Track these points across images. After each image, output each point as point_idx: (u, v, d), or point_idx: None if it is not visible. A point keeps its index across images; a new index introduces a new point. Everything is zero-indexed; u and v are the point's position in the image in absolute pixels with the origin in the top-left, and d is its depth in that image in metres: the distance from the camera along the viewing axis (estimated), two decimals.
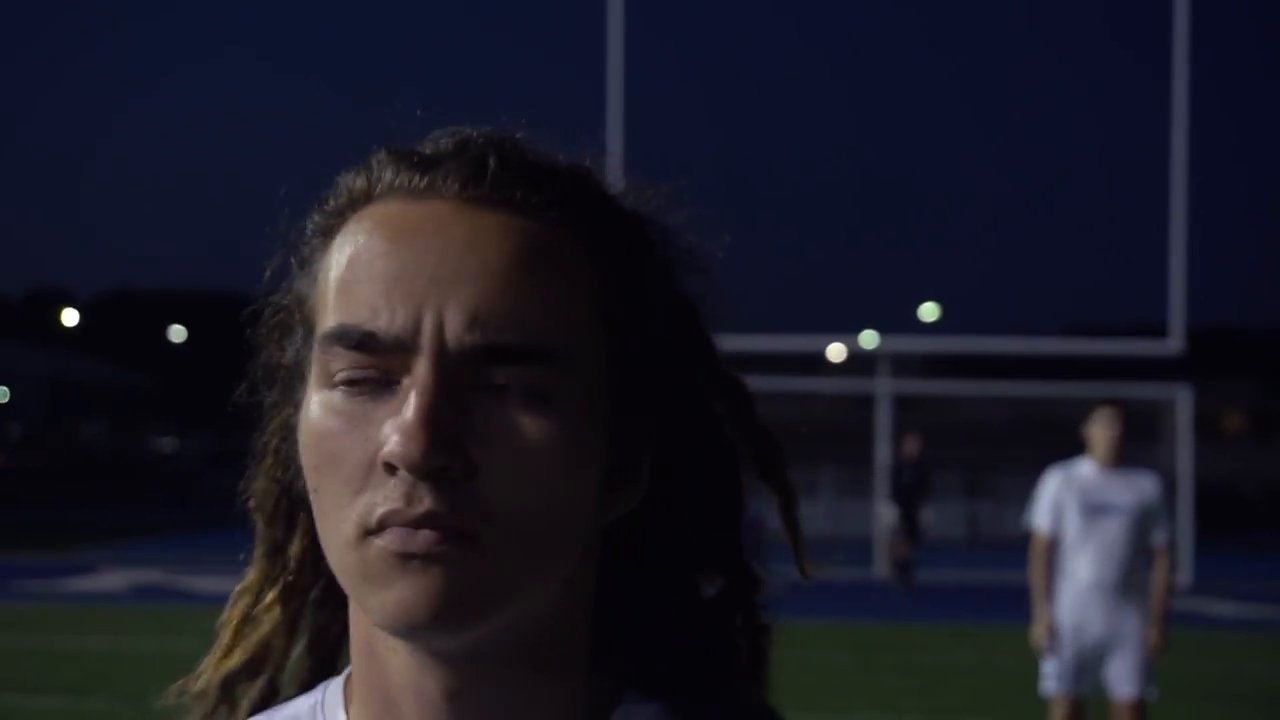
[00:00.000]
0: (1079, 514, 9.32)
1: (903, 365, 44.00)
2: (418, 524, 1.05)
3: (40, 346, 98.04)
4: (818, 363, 45.44)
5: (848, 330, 32.34)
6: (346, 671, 1.21)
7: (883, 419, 29.73)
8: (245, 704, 1.28)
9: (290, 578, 1.27)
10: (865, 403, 31.39)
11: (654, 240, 1.20)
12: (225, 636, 1.29)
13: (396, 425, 1.05)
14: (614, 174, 1.22)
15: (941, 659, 17.31)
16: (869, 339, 30.78)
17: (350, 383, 1.08)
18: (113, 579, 24.43)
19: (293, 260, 1.18)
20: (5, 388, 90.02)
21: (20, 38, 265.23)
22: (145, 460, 73.65)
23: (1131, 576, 9.31)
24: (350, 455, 1.07)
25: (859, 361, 32.23)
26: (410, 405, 1.05)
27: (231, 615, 1.29)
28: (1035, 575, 9.42)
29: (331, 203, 1.16)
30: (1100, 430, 9.43)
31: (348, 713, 1.19)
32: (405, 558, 1.05)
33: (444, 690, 1.12)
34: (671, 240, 1.22)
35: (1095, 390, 20.88)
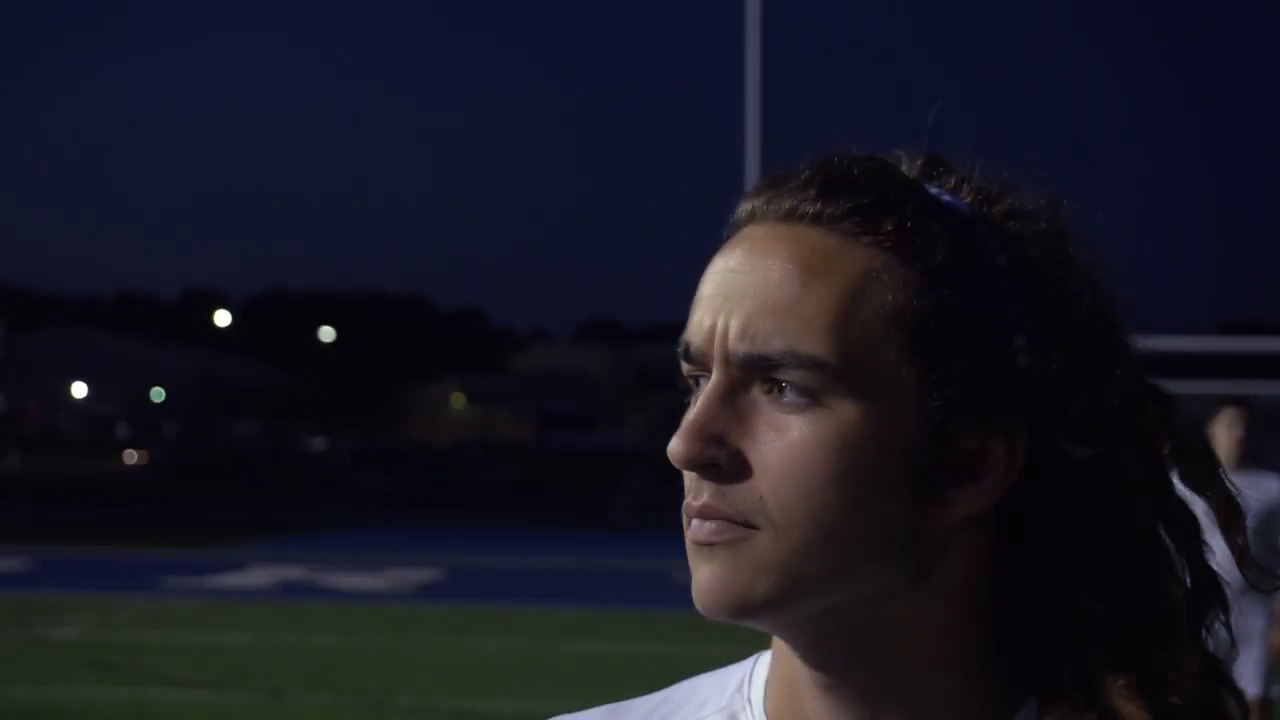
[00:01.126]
0: (1204, 518, 9.27)
1: None
2: (698, 515, 1.16)
3: (194, 347, 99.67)
4: None
5: None
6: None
7: None
8: None
9: None
10: None
11: (991, 232, 1.22)
12: None
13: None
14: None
15: None
16: None
17: (688, 388, 1.22)
18: (259, 576, 24.90)
19: None
20: (160, 388, 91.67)
21: (168, 39, 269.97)
22: (295, 459, 74.56)
23: None
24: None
25: None
26: (692, 408, 1.18)
27: None
28: None
29: (727, 230, 1.25)
30: (1224, 431, 9.38)
31: (767, 685, 1.27)
32: (699, 545, 1.16)
33: (818, 675, 1.19)
34: (1064, 231, 1.24)
35: (1224, 388, 20.60)
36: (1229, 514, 1.27)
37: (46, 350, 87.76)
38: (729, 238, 1.23)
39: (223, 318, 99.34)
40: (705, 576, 1.15)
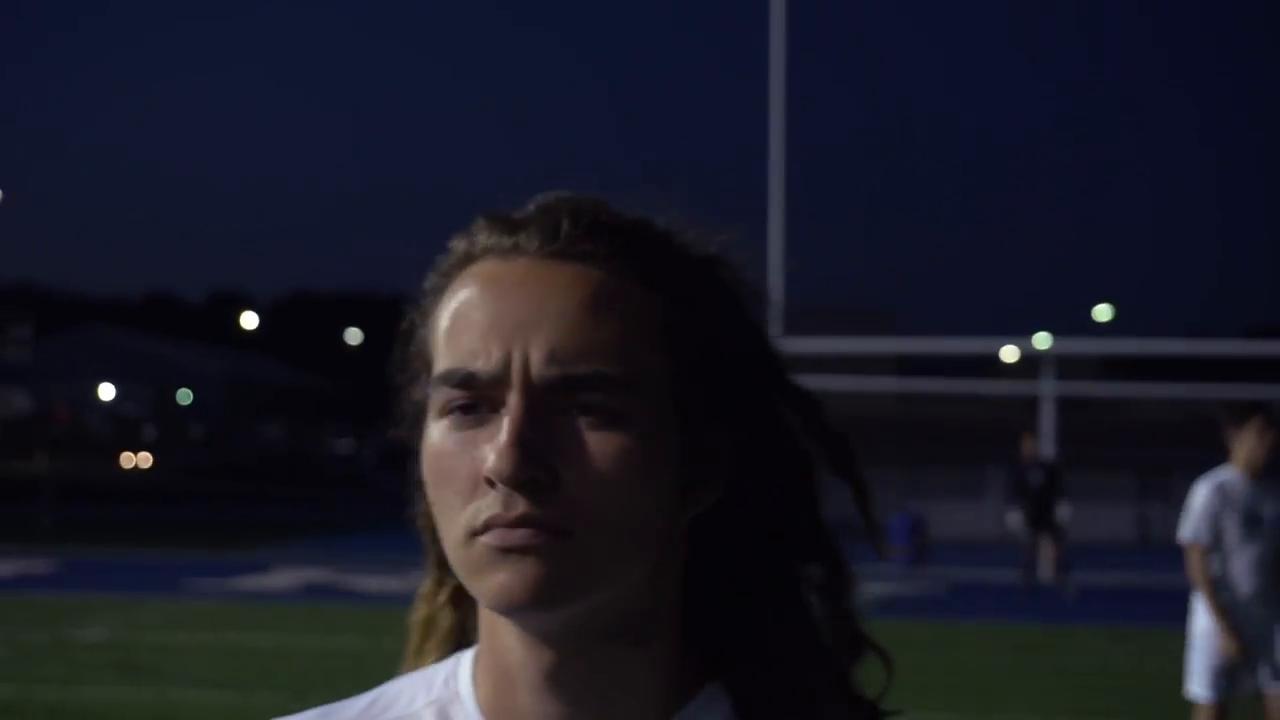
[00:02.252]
0: (1235, 525, 9.29)
1: (1075, 367, 43.65)
2: (514, 524, 1.25)
3: (221, 349, 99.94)
4: (992, 365, 45.26)
5: (1025, 332, 32.18)
6: (477, 645, 1.43)
7: (1046, 420, 29.52)
8: None
9: (458, 582, 1.45)
10: (1034, 404, 31.15)
11: (720, 277, 1.40)
12: (415, 637, 1.52)
13: (494, 446, 1.26)
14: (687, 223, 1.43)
15: (1097, 661, 17.22)
16: (1041, 341, 30.64)
17: (458, 413, 1.30)
18: (284, 577, 25.01)
19: (415, 314, 1.41)
20: (187, 390, 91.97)
21: (194, 41, 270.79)
22: (321, 461, 74.81)
23: None
24: (459, 472, 1.29)
25: (1031, 364, 31.96)
26: (504, 430, 1.26)
27: (416, 618, 1.52)
28: (1208, 593, 9.32)
29: (444, 264, 1.38)
30: (1254, 438, 9.37)
31: (474, 679, 1.39)
32: (505, 551, 1.25)
33: (544, 664, 1.32)
34: (735, 274, 1.41)
35: (1270, 392, 20.64)
36: (860, 496, 1.44)
37: (74, 351, 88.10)
38: (461, 270, 1.35)
39: (249, 319, 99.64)
40: (518, 576, 1.25)
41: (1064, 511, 25.01)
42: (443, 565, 1.46)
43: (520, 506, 1.25)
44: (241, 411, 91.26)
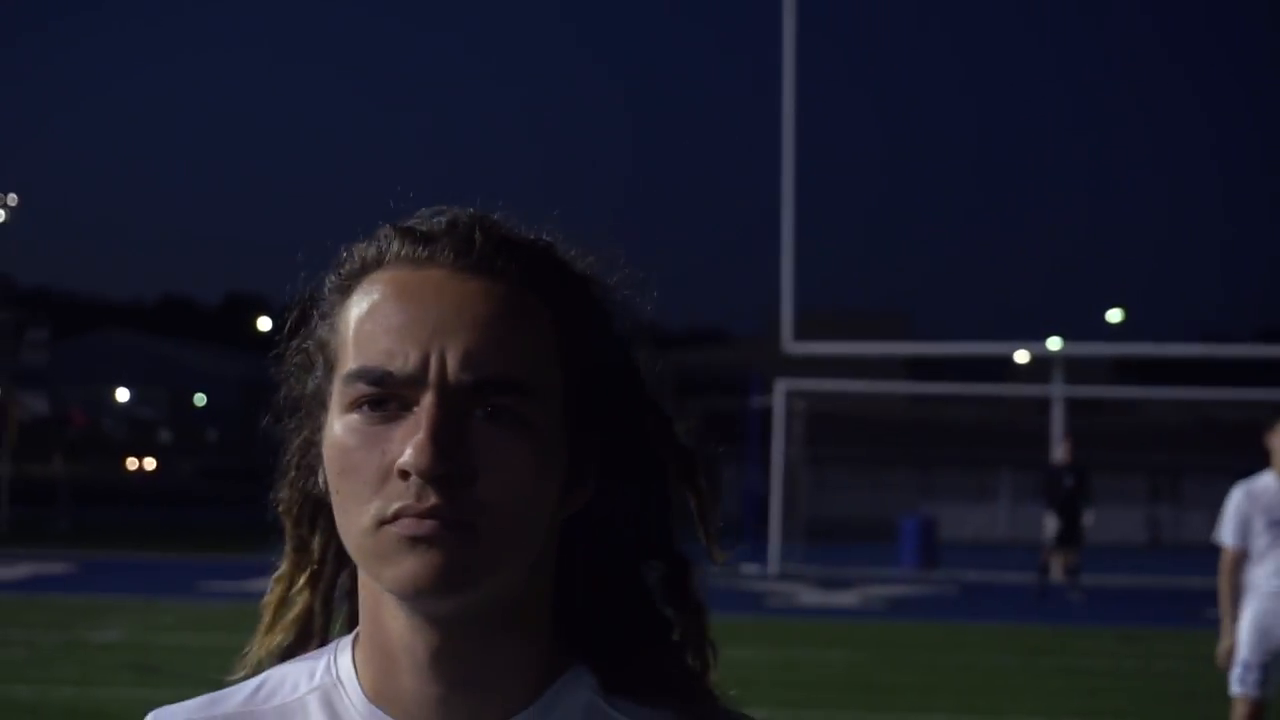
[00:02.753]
0: (1265, 528, 9.42)
1: (1086, 370, 43.65)
2: (425, 515, 1.34)
3: (236, 352, 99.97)
4: (1006, 368, 45.27)
5: (1038, 336, 32.24)
6: (355, 632, 1.52)
7: (1057, 422, 29.58)
8: None
9: (315, 566, 1.56)
10: (1046, 407, 31.20)
11: (598, 296, 1.51)
12: (267, 616, 1.60)
13: (410, 441, 1.35)
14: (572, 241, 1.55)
15: (1106, 663, 17.30)
16: (1053, 344, 30.72)
17: (366, 409, 1.39)
18: None
19: (313, 312, 1.51)
20: (203, 393, 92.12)
21: (212, 44, 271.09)
22: None
23: None
24: (368, 465, 1.37)
25: (1043, 367, 32.00)
26: (422, 427, 1.35)
27: (270, 599, 1.60)
28: (1223, 593, 9.54)
29: (346, 266, 1.48)
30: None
31: (354, 663, 1.47)
32: (414, 541, 1.34)
33: (430, 647, 1.41)
34: (610, 294, 1.53)
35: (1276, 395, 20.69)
36: (700, 503, 1.56)
37: (90, 355, 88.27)
38: (365, 275, 1.46)
39: (265, 323, 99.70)
40: (425, 564, 1.35)
41: (1088, 517, 25.10)
42: (301, 551, 1.57)
43: (431, 499, 1.34)
44: (257, 414, 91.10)
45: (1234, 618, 9.47)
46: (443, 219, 1.47)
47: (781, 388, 30.30)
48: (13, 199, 40.72)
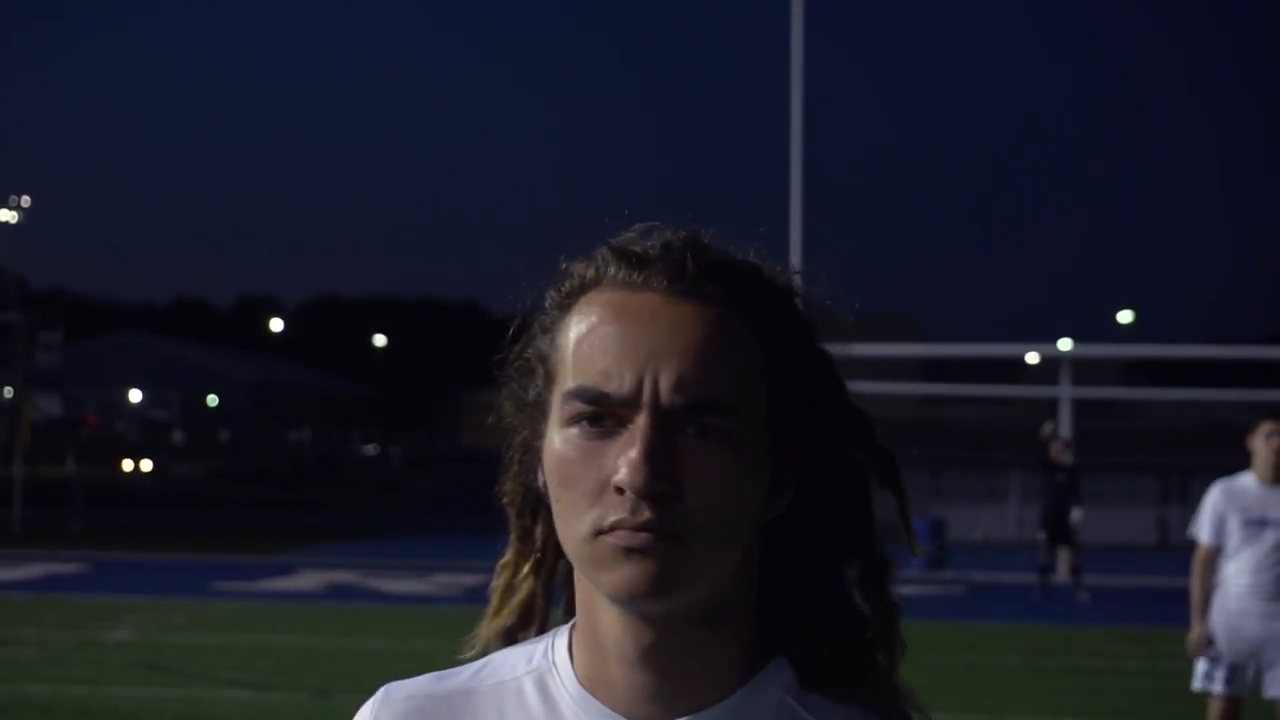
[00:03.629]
0: (1239, 527, 9.49)
1: (1096, 372, 43.63)
2: (639, 529, 1.46)
3: (248, 354, 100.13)
4: (1018, 370, 45.31)
5: (1049, 338, 32.29)
6: (571, 623, 1.62)
7: (1064, 424, 29.66)
8: None
9: (539, 554, 1.68)
10: (1055, 408, 31.23)
11: (800, 312, 1.61)
12: (494, 601, 1.72)
13: (625, 460, 1.46)
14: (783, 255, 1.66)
15: (1110, 663, 17.37)
16: (1063, 345, 30.80)
17: (585, 424, 1.50)
18: (309, 579, 25.26)
19: (535, 324, 1.61)
20: (215, 394, 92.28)
21: (222, 46, 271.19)
22: (348, 465, 74.90)
23: None
24: (586, 478, 1.49)
25: (1053, 368, 32.01)
26: (636, 446, 1.46)
27: (497, 585, 1.72)
28: (1195, 585, 9.64)
29: (566, 285, 1.58)
30: (1262, 442, 9.56)
31: (570, 652, 1.60)
32: (629, 551, 1.46)
33: (640, 643, 1.53)
34: (809, 307, 1.63)
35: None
36: (900, 504, 1.66)
37: (103, 357, 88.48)
38: (584, 294, 1.57)
39: (277, 324, 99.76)
40: (639, 572, 1.47)
41: (1076, 515, 25.18)
42: (524, 540, 1.70)
43: (645, 513, 1.46)
44: (269, 416, 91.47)
45: (1205, 610, 9.56)
46: (657, 242, 1.57)
47: None
48: (26, 201, 40.85)
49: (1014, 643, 19.09)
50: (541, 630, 1.70)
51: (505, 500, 1.69)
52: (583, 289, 1.58)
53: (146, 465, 56.28)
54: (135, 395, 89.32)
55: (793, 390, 1.57)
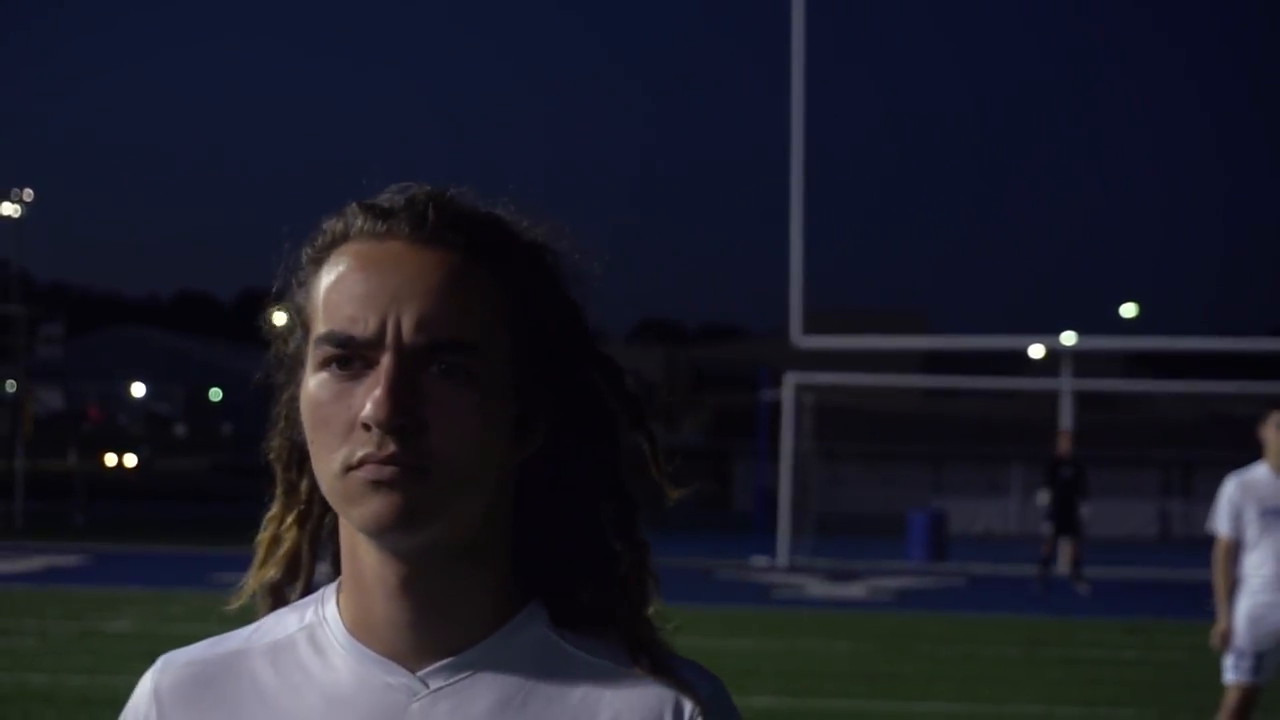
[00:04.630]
0: (1256, 518, 9.57)
1: (1100, 365, 43.61)
2: (384, 462, 1.53)
3: (252, 347, 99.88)
4: (1022, 363, 45.31)
5: (1053, 330, 32.31)
6: (338, 581, 1.67)
7: (1065, 416, 29.69)
8: (293, 599, 1.77)
9: (302, 506, 1.73)
10: (1057, 401, 31.25)
11: (546, 262, 1.68)
12: (260, 553, 1.75)
13: (370, 397, 1.53)
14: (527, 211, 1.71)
15: (1107, 653, 17.41)
16: (1067, 338, 30.83)
17: (335, 368, 1.57)
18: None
19: (293, 280, 1.70)
20: (218, 388, 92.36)
21: (225, 42, 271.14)
22: None
23: None
24: (336, 417, 1.56)
25: (1058, 361, 31.99)
26: (380, 384, 1.53)
27: (263, 537, 1.76)
28: (1217, 579, 9.71)
29: (319, 240, 1.65)
30: (1273, 433, 9.64)
31: (338, 599, 1.66)
32: (376, 484, 1.53)
33: (399, 575, 1.59)
34: (558, 260, 1.69)
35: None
36: (651, 444, 1.72)
37: (106, 350, 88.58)
38: (334, 248, 1.64)
39: (280, 318, 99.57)
40: (386, 504, 1.54)
41: (1085, 510, 25.24)
42: (290, 493, 1.74)
43: (390, 447, 1.52)
44: (273, 410, 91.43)
45: (1230, 604, 9.63)
46: (402, 196, 1.64)
47: (790, 381, 30.44)
48: (29, 194, 40.89)
49: (1012, 634, 19.15)
50: (307, 583, 1.75)
51: (271, 456, 1.74)
52: (333, 243, 1.64)
53: (131, 460, 56.19)
54: (138, 389, 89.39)
55: (537, 334, 1.64)
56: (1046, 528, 25.36)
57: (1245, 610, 9.63)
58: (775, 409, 31.20)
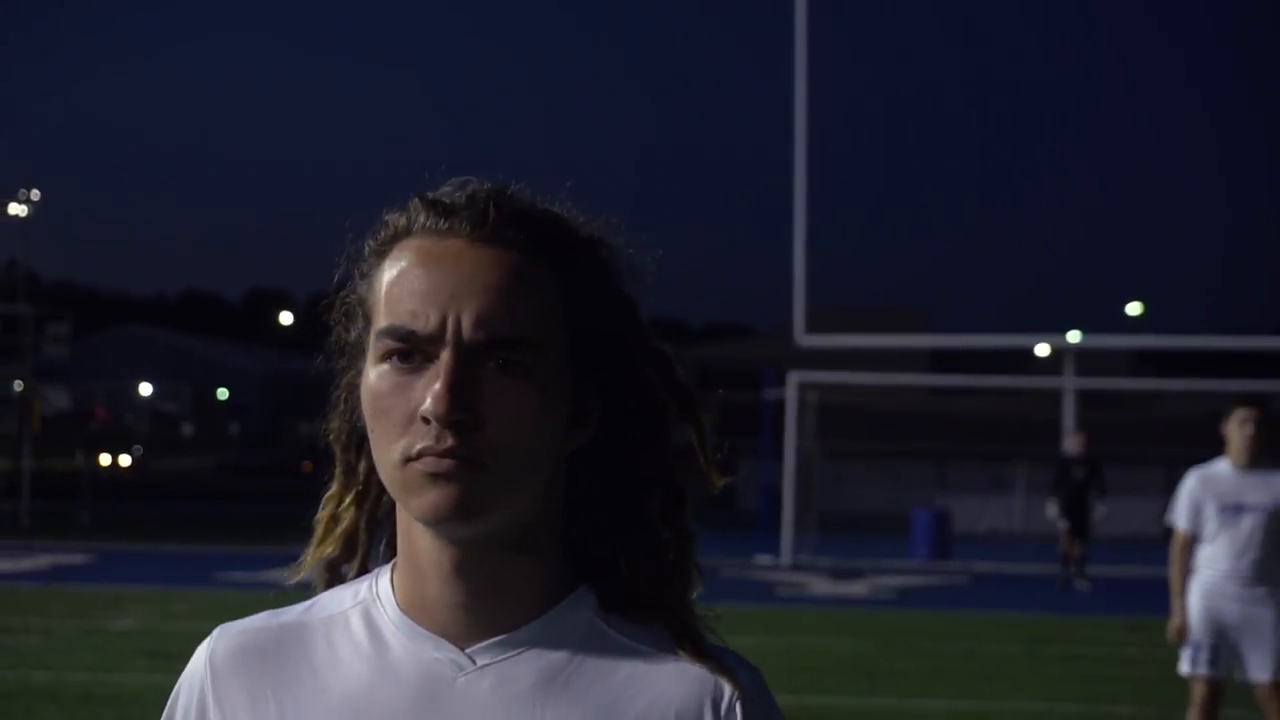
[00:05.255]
0: (1215, 513, 9.62)
1: (1106, 363, 43.59)
2: (443, 455, 1.59)
3: (259, 347, 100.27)
4: (1027, 362, 45.32)
5: (1059, 329, 32.32)
6: (393, 561, 1.75)
7: (1068, 415, 29.72)
8: (349, 577, 1.84)
9: (360, 487, 1.80)
10: (1061, 400, 31.26)
11: (601, 258, 1.73)
12: (319, 531, 1.84)
13: (430, 392, 1.60)
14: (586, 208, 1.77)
15: (1109, 651, 17.45)
16: (1072, 337, 30.84)
17: (396, 360, 1.63)
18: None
19: (355, 271, 1.74)
20: (225, 388, 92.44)
21: (232, 42, 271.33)
22: None
23: (1267, 571, 9.58)
24: (396, 409, 1.62)
25: (1063, 359, 31.97)
26: (440, 379, 1.60)
27: (322, 516, 1.84)
28: (1173, 572, 9.77)
29: (382, 234, 1.72)
30: (1235, 429, 9.68)
31: (392, 580, 1.73)
32: (434, 476, 1.59)
33: (453, 560, 1.66)
34: (613, 255, 1.75)
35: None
36: (699, 433, 1.78)
37: (113, 350, 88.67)
38: (397, 242, 1.70)
39: (287, 318, 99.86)
40: (444, 496, 1.60)
41: (1099, 510, 25.23)
42: (349, 474, 1.81)
43: (449, 441, 1.59)
44: (279, 409, 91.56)
45: (1184, 597, 9.69)
46: (463, 192, 1.70)
47: (794, 380, 30.49)
48: (35, 194, 40.95)
49: (1014, 631, 19.18)
50: (364, 562, 1.81)
51: (331, 437, 1.81)
52: (395, 237, 1.70)
53: (125, 460, 56.04)
54: (145, 388, 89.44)
55: (592, 329, 1.70)
56: (1062, 525, 25.30)
57: (1199, 602, 9.69)
58: (779, 408, 31.22)
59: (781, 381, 31.01)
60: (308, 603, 1.79)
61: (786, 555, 29.29)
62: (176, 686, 1.78)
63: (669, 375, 1.77)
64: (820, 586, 25.22)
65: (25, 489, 37.31)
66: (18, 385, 40.05)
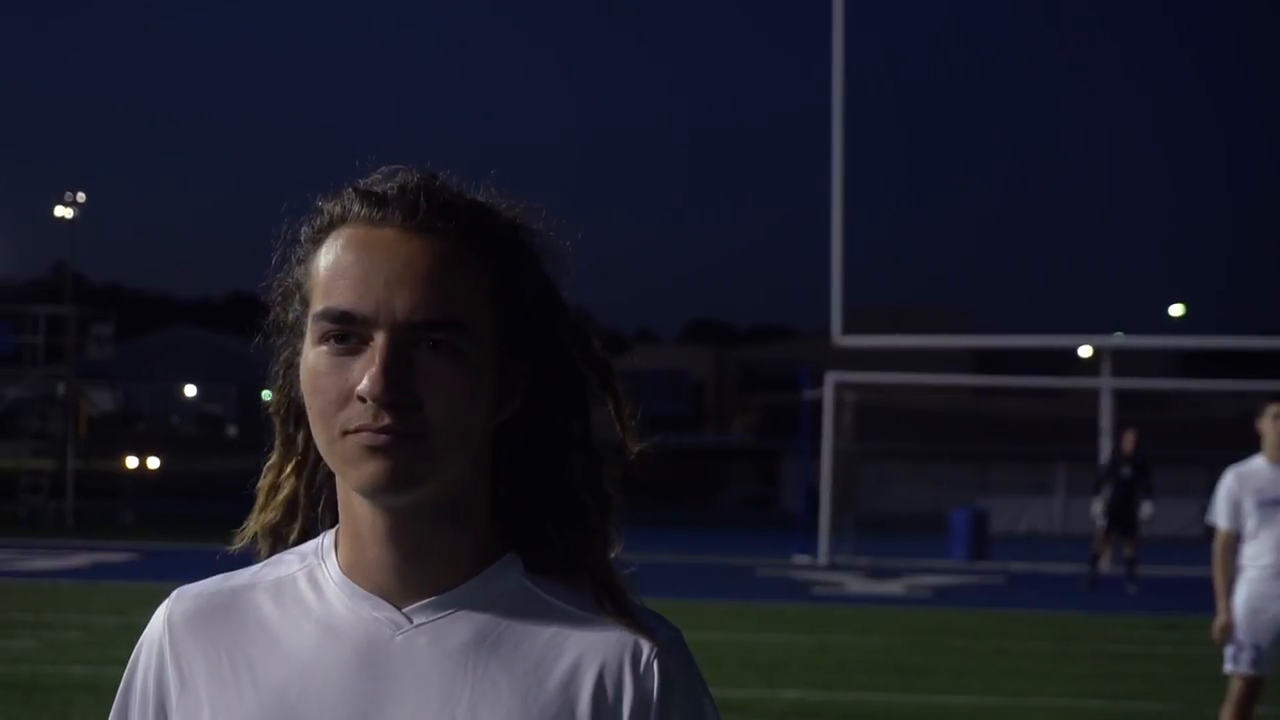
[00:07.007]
0: (1255, 509, 9.66)
1: (1149, 365, 43.49)
2: (379, 431, 1.70)
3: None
4: (1071, 362, 45.25)
5: (1104, 330, 32.27)
6: (336, 527, 1.85)
7: (1105, 415, 29.70)
8: (291, 541, 1.92)
9: (299, 457, 1.91)
10: (1103, 400, 31.19)
11: (524, 241, 1.84)
12: (261, 498, 1.95)
13: (367, 373, 1.70)
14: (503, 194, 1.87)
15: (1140, 649, 17.48)
16: (1117, 338, 30.85)
17: (333, 342, 1.74)
18: None
19: (292, 256, 1.85)
20: (269, 389, 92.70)
21: (262, 45, 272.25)
22: None
23: None
24: (334, 387, 1.73)
25: (1109, 360, 31.86)
26: (375, 361, 1.70)
27: (263, 484, 1.95)
28: (1216, 572, 9.81)
29: (318, 221, 1.82)
30: (1269, 425, 9.73)
31: (336, 545, 1.84)
32: (371, 449, 1.70)
33: (388, 526, 1.77)
34: (535, 239, 1.86)
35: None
36: (616, 403, 1.90)
37: (158, 351, 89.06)
38: (332, 230, 1.81)
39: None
40: (380, 468, 1.72)
41: (1146, 510, 25.13)
42: (288, 445, 1.93)
43: (385, 419, 1.70)
44: None
45: (1229, 596, 9.73)
46: (394, 182, 1.80)
47: (831, 380, 30.56)
48: (82, 197, 41.30)
49: (1045, 629, 19.22)
50: (304, 526, 1.93)
51: (271, 410, 1.94)
52: (331, 225, 1.82)
53: (154, 463, 56.29)
54: (190, 390, 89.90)
55: (518, 309, 1.81)
56: (1101, 522, 25.23)
57: (1244, 601, 9.73)
58: (817, 408, 31.29)
59: (819, 382, 31.08)
60: (257, 566, 1.91)
61: (823, 555, 29.37)
62: (136, 647, 1.92)
63: (587, 349, 1.87)
64: (856, 586, 25.28)
65: (69, 489, 37.59)
66: (61, 387, 40.34)
